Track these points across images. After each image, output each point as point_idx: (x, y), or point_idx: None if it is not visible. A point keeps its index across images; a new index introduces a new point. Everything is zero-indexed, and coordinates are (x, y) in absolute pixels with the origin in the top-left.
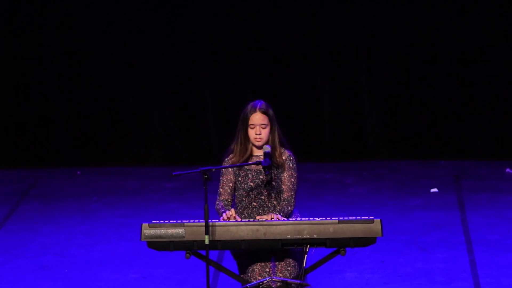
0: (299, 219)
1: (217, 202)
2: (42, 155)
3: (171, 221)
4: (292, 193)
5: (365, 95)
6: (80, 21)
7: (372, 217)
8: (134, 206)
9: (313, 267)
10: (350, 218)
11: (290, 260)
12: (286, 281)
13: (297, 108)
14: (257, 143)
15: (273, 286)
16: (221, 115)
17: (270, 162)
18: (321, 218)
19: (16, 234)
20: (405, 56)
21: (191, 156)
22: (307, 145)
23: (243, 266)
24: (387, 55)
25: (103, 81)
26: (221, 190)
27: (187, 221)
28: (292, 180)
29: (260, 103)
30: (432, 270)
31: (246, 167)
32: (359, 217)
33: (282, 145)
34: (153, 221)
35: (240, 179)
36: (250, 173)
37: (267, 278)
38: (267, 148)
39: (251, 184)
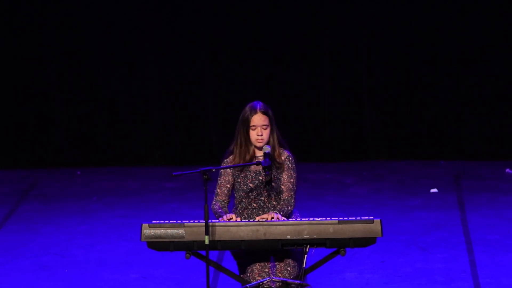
0: (299, 219)
1: (213, 202)
2: (42, 155)
3: (171, 221)
4: (292, 193)
5: (365, 95)
6: (80, 21)
7: (372, 217)
8: (134, 206)
9: (313, 267)
10: (350, 218)
11: (290, 260)
12: (286, 281)
13: (297, 108)
14: (258, 144)
15: (273, 286)
16: (221, 115)
17: (270, 163)
18: (321, 218)
19: (16, 234)
20: (405, 56)
21: (191, 156)
22: (307, 145)
23: (243, 266)
24: (387, 55)
25: (103, 81)
26: (218, 190)
27: (187, 221)
28: (292, 180)
29: (260, 104)
30: (432, 270)
31: (245, 168)
32: (359, 217)
33: (281, 145)
34: (153, 221)
35: (239, 180)
36: (250, 174)
37: (267, 279)
38: (267, 149)
39: (251, 185)
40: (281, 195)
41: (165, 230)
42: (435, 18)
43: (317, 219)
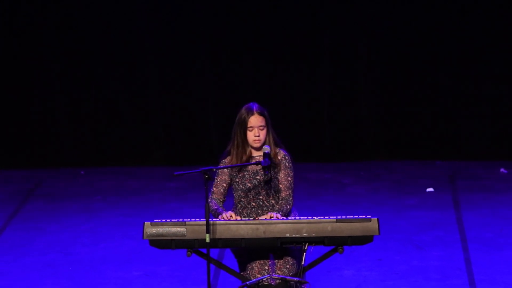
0: (298, 218)
1: (209, 200)
2: (47, 155)
3: (172, 220)
4: (290, 192)
5: (363, 95)
6: (80, 21)
7: (369, 216)
8: (137, 205)
9: (311, 265)
10: (348, 217)
11: (289, 258)
12: (285, 278)
13: (296, 108)
14: (256, 145)
15: (272, 283)
16: (221, 115)
17: (270, 162)
18: (319, 217)
19: (22, 232)
20: (404, 56)
21: (192, 156)
22: (307, 145)
23: (243, 264)
24: (386, 55)
25: (103, 82)
26: (214, 189)
27: (188, 220)
28: (289, 179)
29: (256, 106)
30: (428, 267)
31: (243, 168)
32: (356, 216)
33: (277, 145)
34: (155, 220)
35: (237, 180)
36: (247, 174)
37: (267, 276)
38: (267, 149)
39: (249, 184)
40: (279, 194)
41: (167, 229)
42: (435, 18)
43: (315, 217)
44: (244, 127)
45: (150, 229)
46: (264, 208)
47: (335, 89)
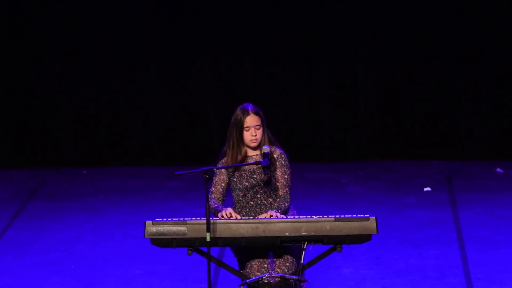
0: (297, 217)
1: (209, 199)
2: (50, 155)
3: (173, 219)
4: (287, 189)
5: (361, 95)
6: (80, 21)
7: (368, 215)
8: (138, 204)
9: (310, 263)
10: (346, 216)
11: (288, 256)
12: (285, 276)
13: (296, 108)
14: (253, 144)
15: (272, 281)
16: (221, 115)
17: (270, 162)
18: (318, 216)
19: (25, 231)
20: (403, 57)
21: (193, 156)
22: (306, 145)
23: (243, 262)
24: (385, 56)
25: (104, 81)
26: (213, 189)
27: (189, 219)
28: (286, 177)
29: (251, 106)
30: (425, 266)
31: (240, 167)
32: (355, 215)
33: (272, 143)
34: (156, 219)
35: (235, 179)
36: (244, 173)
37: (266, 274)
38: (266, 149)
39: (246, 183)
40: (277, 192)
41: (168, 228)
42: (435, 18)
43: (314, 217)
44: (240, 128)
45: (151, 228)
46: (263, 207)
47: (334, 89)
